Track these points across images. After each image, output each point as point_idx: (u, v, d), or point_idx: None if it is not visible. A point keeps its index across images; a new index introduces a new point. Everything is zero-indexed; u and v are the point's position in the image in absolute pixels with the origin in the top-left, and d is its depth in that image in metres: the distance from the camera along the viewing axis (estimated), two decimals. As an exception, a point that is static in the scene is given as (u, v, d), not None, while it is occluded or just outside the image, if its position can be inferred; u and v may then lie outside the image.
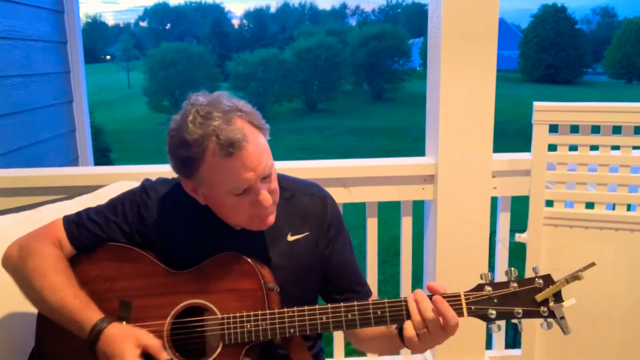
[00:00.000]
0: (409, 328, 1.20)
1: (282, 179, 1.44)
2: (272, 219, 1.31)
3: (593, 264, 1.14)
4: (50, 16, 3.30)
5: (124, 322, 1.28)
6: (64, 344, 1.32)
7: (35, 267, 1.30)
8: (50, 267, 1.30)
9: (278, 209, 1.37)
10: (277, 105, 34.07)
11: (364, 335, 1.40)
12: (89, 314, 1.24)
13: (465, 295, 1.21)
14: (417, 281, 2.46)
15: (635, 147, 2.06)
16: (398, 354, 2.39)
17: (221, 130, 1.18)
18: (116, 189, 1.74)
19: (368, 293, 1.47)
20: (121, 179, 1.92)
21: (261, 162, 1.23)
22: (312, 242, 1.40)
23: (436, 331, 1.19)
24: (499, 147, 2.18)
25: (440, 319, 1.19)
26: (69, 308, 1.25)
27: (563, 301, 1.17)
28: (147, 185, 1.42)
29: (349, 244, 1.48)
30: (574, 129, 2.09)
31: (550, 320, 1.18)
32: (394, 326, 1.30)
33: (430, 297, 1.21)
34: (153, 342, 1.23)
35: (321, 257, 1.42)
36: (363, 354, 2.43)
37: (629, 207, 2.10)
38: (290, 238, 1.39)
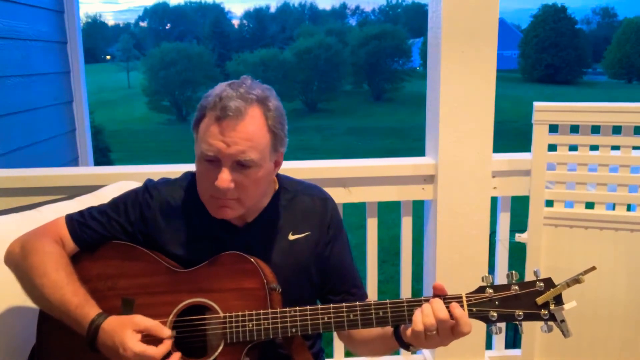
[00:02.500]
0: (418, 322, 1.18)
1: (284, 180, 1.45)
2: (227, 212, 1.30)
3: (594, 268, 1.14)
4: (50, 16, 3.30)
5: None
6: (64, 341, 1.33)
7: (36, 264, 1.30)
8: (51, 264, 1.30)
9: (280, 209, 1.37)
10: (277, 105, 33.98)
11: (359, 337, 1.40)
12: (87, 310, 1.25)
13: (467, 297, 1.21)
14: (417, 281, 2.46)
15: (635, 147, 2.06)
16: (398, 353, 2.39)
17: (227, 96, 1.24)
18: (116, 189, 1.74)
19: (363, 296, 1.47)
20: (121, 179, 1.93)
21: (238, 143, 1.23)
22: (312, 242, 1.41)
23: (445, 333, 1.19)
24: (499, 147, 2.18)
25: (453, 321, 1.18)
26: (67, 306, 1.26)
27: (564, 304, 1.17)
28: (149, 185, 1.43)
29: (348, 246, 1.49)
30: (574, 129, 2.09)
31: (550, 323, 1.18)
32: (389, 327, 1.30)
33: (447, 305, 1.19)
34: (152, 323, 1.23)
35: (320, 257, 1.42)
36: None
37: (629, 207, 2.10)
38: (291, 237, 1.40)
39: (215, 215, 1.32)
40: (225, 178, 1.24)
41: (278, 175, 1.45)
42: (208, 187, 1.28)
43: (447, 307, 1.18)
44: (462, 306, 1.19)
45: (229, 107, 1.22)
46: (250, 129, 1.24)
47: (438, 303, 1.19)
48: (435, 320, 1.17)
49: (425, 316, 1.18)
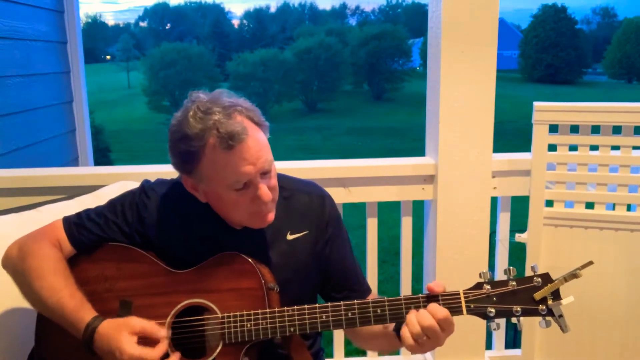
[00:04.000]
0: (407, 337, 1.20)
1: (281, 179, 1.44)
2: (271, 216, 1.31)
3: (591, 263, 1.14)
4: (50, 16, 3.30)
5: None
6: (63, 343, 1.32)
7: (34, 268, 1.30)
8: (48, 268, 1.30)
9: (277, 208, 1.37)
10: (277, 105, 34.09)
11: (364, 333, 1.40)
12: (83, 314, 1.25)
13: (464, 293, 1.21)
14: (417, 281, 2.46)
15: (635, 147, 2.06)
16: (398, 353, 2.40)
17: (221, 123, 1.19)
18: (116, 189, 1.74)
19: (367, 291, 1.48)
20: (121, 179, 1.92)
21: (261, 157, 1.23)
22: (311, 241, 1.41)
23: (435, 335, 1.19)
24: (499, 147, 2.18)
25: (437, 323, 1.19)
26: (64, 309, 1.26)
27: (561, 299, 1.17)
28: (146, 186, 1.43)
29: (348, 243, 1.49)
30: (574, 129, 2.09)
31: (548, 318, 1.18)
32: (391, 327, 1.30)
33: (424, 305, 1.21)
34: (147, 325, 1.23)
35: (320, 256, 1.42)
36: (363, 354, 2.43)
37: (629, 207, 2.10)
38: (289, 237, 1.40)
39: (261, 226, 1.32)
40: (266, 191, 1.25)
41: None
42: (247, 209, 1.28)
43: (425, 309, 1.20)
44: (459, 303, 1.20)
45: (235, 132, 1.19)
46: (256, 136, 1.24)
47: (423, 314, 1.20)
48: (421, 328, 1.18)
49: (411, 327, 1.19)
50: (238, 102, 1.25)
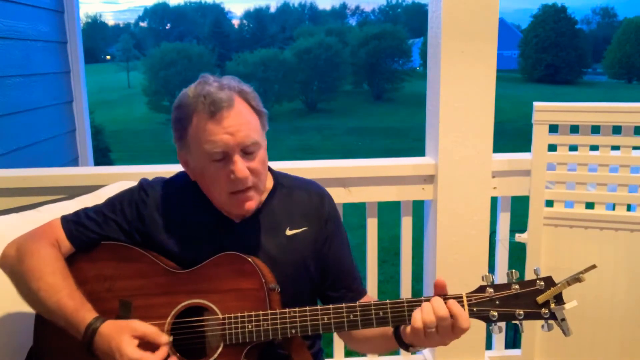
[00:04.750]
0: (417, 320, 1.18)
1: (281, 177, 1.45)
2: (251, 204, 1.31)
3: (594, 267, 1.14)
4: (50, 16, 3.30)
5: None
6: (62, 343, 1.32)
7: (32, 268, 1.29)
8: (47, 268, 1.29)
9: (276, 204, 1.37)
10: (277, 105, 34.07)
11: (360, 335, 1.40)
12: (84, 314, 1.24)
13: (467, 296, 1.20)
14: (417, 281, 2.46)
15: (635, 147, 2.06)
16: (398, 353, 2.39)
17: (210, 93, 1.25)
18: (116, 189, 1.73)
19: (363, 291, 1.47)
20: (121, 179, 1.92)
21: (241, 130, 1.25)
22: (310, 237, 1.41)
23: (445, 331, 1.18)
24: (499, 147, 2.18)
25: (452, 320, 1.18)
26: (64, 310, 1.25)
27: (564, 303, 1.17)
28: (144, 184, 1.43)
29: (346, 241, 1.49)
30: (574, 129, 2.09)
31: (551, 322, 1.18)
32: (390, 329, 1.29)
33: (444, 300, 1.19)
34: (149, 329, 1.23)
35: (319, 253, 1.42)
36: (363, 354, 2.43)
37: (629, 207, 2.10)
38: (288, 232, 1.39)
39: (240, 212, 1.33)
40: (242, 167, 1.26)
41: (274, 172, 1.46)
42: (225, 186, 1.29)
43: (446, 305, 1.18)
44: (462, 306, 1.19)
45: (219, 99, 1.23)
46: (242, 112, 1.26)
47: (438, 301, 1.19)
48: (435, 317, 1.17)
49: (425, 314, 1.18)
50: (240, 85, 1.30)
